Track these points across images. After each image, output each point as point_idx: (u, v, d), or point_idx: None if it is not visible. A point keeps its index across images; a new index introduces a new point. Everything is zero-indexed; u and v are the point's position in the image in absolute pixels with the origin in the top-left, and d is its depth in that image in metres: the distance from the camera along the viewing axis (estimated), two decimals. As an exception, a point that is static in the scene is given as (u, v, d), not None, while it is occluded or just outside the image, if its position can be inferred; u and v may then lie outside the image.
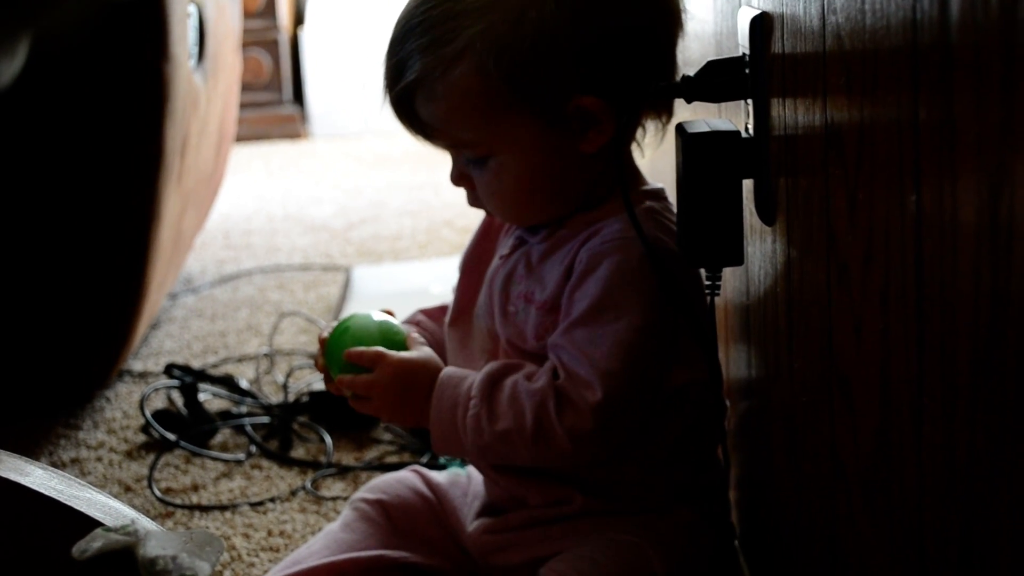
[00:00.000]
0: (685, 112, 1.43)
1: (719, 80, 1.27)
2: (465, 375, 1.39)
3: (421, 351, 1.43)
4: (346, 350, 1.42)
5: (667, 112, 1.42)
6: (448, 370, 1.40)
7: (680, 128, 1.28)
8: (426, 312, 1.60)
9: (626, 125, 1.37)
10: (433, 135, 1.39)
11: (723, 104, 1.42)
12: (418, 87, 1.36)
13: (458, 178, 1.42)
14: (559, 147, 1.37)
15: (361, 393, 1.41)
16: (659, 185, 1.45)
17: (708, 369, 1.38)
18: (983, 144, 0.67)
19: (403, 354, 1.41)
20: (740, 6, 1.29)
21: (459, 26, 1.33)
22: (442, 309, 1.59)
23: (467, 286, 1.53)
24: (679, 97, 1.31)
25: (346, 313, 2.66)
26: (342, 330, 1.45)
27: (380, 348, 1.40)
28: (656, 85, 1.32)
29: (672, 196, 1.39)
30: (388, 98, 1.40)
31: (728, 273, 1.49)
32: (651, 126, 1.44)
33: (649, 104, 1.39)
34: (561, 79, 1.34)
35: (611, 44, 1.34)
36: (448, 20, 1.34)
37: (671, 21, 1.39)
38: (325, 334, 1.46)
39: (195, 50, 2.46)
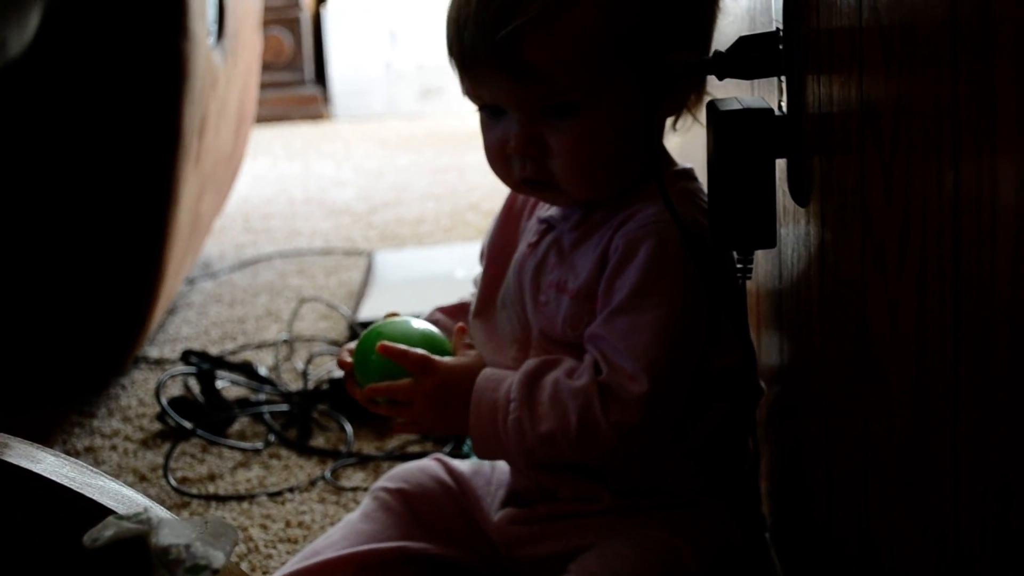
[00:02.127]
0: (718, 90, 1.41)
1: (752, 56, 1.25)
2: (503, 376, 1.36)
3: (468, 356, 1.41)
4: (388, 345, 1.38)
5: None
6: (485, 373, 1.37)
7: (712, 106, 1.26)
8: (444, 310, 1.58)
9: (668, 97, 1.36)
10: (534, 81, 1.32)
11: (756, 81, 1.41)
12: (535, 25, 1.30)
13: (527, 143, 1.35)
14: (644, 107, 1.34)
15: (401, 399, 1.38)
16: (688, 165, 1.42)
17: (743, 352, 1.35)
18: (1022, 120, 0.66)
19: (450, 360, 1.38)
20: (773, -20, 1.27)
21: None
22: (461, 306, 1.57)
23: (492, 276, 1.50)
24: (711, 73, 1.30)
25: (369, 302, 2.66)
26: (375, 334, 1.42)
27: (426, 352, 1.38)
28: (687, 62, 1.30)
29: (702, 176, 1.37)
30: (482, 44, 1.32)
31: (760, 256, 1.48)
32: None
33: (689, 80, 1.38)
34: (666, 30, 1.33)
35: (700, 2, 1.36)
36: None
37: None
38: (346, 356, 1.43)
39: (214, 27, 2.45)
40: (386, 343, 1.38)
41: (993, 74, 0.69)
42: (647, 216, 1.34)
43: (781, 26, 1.22)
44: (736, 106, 1.23)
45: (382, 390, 1.38)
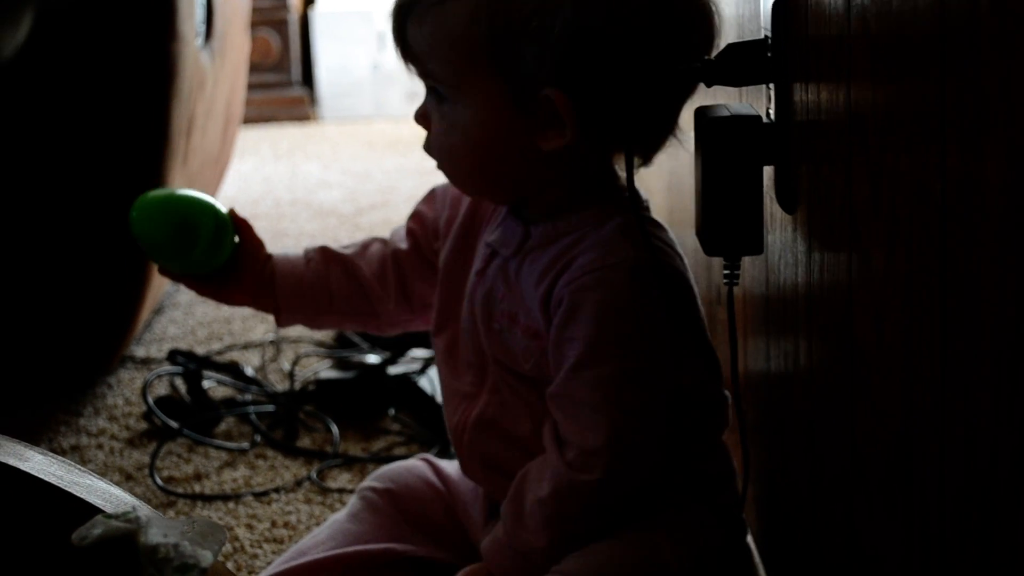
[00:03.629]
0: (706, 96, 1.41)
1: (740, 63, 1.25)
2: (494, 538, 1.38)
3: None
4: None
5: (645, 152, 1.37)
6: (483, 547, 1.40)
7: (700, 113, 1.26)
8: (325, 251, 1.56)
9: (600, 138, 1.33)
10: (412, 60, 1.36)
11: (744, 88, 1.40)
12: (413, 8, 1.33)
13: (420, 116, 1.39)
14: (516, 130, 1.32)
15: None
16: (643, 194, 1.40)
17: (706, 367, 1.37)
18: (1011, 130, 0.65)
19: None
20: (762, -12, 1.27)
21: None
22: (341, 258, 1.55)
23: (449, 293, 1.49)
24: (700, 81, 1.29)
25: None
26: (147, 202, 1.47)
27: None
28: (676, 68, 1.28)
29: (680, 189, 1.36)
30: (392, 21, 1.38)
31: (747, 262, 1.48)
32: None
33: (627, 138, 1.33)
34: (542, 64, 1.28)
35: (607, 49, 1.27)
36: None
37: (692, 39, 1.31)
38: None
39: (202, 29, 2.44)
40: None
41: (981, 83, 0.69)
42: (590, 263, 1.31)
43: (770, 34, 1.22)
44: (724, 113, 1.23)
45: None
